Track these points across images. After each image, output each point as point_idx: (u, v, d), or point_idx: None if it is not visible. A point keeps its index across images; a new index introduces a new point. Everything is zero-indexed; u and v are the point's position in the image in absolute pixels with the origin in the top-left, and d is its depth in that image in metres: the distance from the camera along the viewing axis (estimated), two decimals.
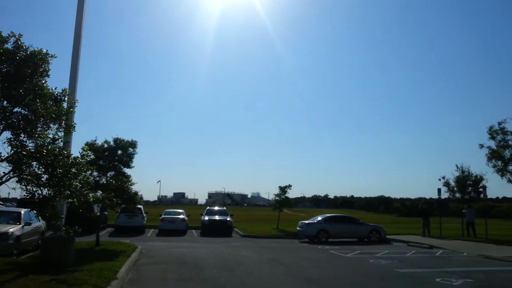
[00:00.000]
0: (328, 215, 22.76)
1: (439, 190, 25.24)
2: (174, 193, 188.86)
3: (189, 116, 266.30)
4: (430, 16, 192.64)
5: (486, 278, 10.42)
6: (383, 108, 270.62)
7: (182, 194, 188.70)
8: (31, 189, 7.99)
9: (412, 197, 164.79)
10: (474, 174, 24.23)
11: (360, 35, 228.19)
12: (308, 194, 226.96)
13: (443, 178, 25.18)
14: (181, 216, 25.43)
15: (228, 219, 24.99)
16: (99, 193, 12.81)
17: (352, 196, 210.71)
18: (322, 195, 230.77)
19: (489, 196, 24.95)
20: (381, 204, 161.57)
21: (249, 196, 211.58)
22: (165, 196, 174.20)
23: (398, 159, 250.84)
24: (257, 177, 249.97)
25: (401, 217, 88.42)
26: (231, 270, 10.74)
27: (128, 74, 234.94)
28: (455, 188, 24.61)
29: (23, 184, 7.97)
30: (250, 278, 9.52)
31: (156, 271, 10.43)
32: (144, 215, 24.67)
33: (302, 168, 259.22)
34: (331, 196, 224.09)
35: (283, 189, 28.49)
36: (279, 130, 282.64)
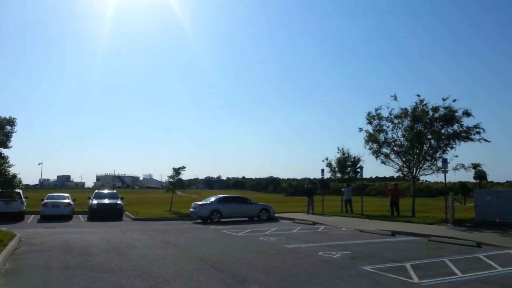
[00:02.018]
0: (221, 196, 23.21)
1: (322, 170, 27.20)
2: (58, 176, 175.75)
3: (76, 93, 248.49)
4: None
5: (361, 249, 11.57)
6: (273, 93, 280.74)
7: (67, 177, 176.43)
8: None
9: (299, 177, 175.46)
10: (353, 156, 26.55)
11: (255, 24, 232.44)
12: (201, 175, 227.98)
13: (326, 159, 27.22)
14: (66, 201, 23.93)
15: (118, 202, 24.14)
16: None
17: (243, 177, 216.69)
18: (215, 177, 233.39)
19: (365, 176, 27.53)
20: (270, 184, 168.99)
21: (141, 178, 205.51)
22: (48, 180, 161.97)
23: (287, 142, 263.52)
24: (149, 158, 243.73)
25: (289, 196, 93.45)
26: (122, 254, 10.48)
27: (11, 44, 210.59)
28: (336, 169, 26.72)
29: None
30: (142, 261, 9.39)
31: (38, 259, 9.73)
32: (24, 199, 22.63)
33: (195, 149, 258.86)
34: (224, 177, 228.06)
35: (176, 171, 28.27)
36: (172, 111, 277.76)
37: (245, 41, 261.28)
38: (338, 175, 26.83)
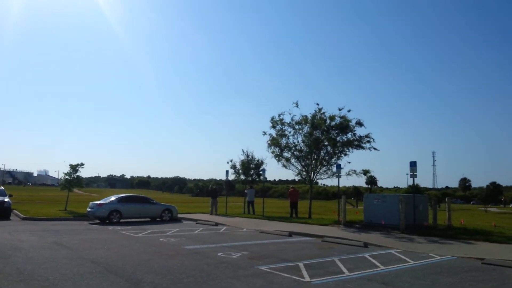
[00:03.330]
0: (122, 195, 22.41)
1: (226, 172, 27.56)
2: None
3: None
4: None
5: (259, 250, 11.92)
6: (182, 93, 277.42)
7: None
8: None
9: (205, 178, 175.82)
10: (257, 159, 27.29)
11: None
12: (104, 173, 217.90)
13: (231, 161, 27.64)
14: None
15: (5, 199, 22.11)
16: None
17: (149, 177, 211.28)
18: (118, 175, 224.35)
19: (268, 179, 28.51)
20: (176, 184, 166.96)
21: (35, 174, 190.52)
22: None
23: (195, 142, 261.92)
24: (45, 153, 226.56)
25: (195, 196, 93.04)
26: (5, 257, 9.64)
27: None
28: (240, 171, 27.23)
29: None
30: (27, 265, 8.73)
31: None
32: None
33: (98, 146, 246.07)
34: (128, 176, 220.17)
35: (74, 168, 26.59)
36: (73, 103, 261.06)
37: (157, 34, 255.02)
38: (242, 177, 27.37)
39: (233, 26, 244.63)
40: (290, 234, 15.91)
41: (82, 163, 26.73)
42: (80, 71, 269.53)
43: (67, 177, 26.69)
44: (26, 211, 24.15)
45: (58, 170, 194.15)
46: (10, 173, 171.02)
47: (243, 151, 27.60)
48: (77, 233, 15.40)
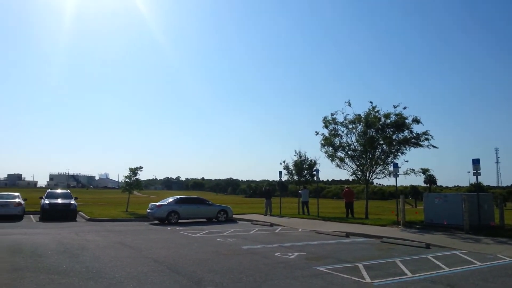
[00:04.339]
0: (179, 196, 23.01)
1: (280, 173, 27.54)
2: (9, 175, 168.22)
3: (27, 89, 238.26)
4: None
5: (316, 250, 11.83)
6: (234, 95, 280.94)
7: (19, 176, 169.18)
8: None
9: (257, 179, 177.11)
10: (310, 159, 27.05)
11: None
12: (160, 176, 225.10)
13: (284, 162, 27.58)
14: (17, 200, 22.84)
15: (72, 202, 23.38)
16: None
17: (203, 178, 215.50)
18: (174, 177, 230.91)
19: (321, 179, 28.17)
20: (230, 186, 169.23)
21: (97, 178, 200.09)
22: None
23: (246, 144, 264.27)
24: (106, 157, 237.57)
25: (248, 197, 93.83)
26: (74, 256, 10.19)
27: None
28: (293, 171, 27.10)
29: None
30: (95, 263, 9.18)
31: None
32: None
33: (155, 149, 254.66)
34: (183, 178, 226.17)
35: (133, 171, 27.74)
36: (130, 109, 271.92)
37: (212, 40, 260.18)
38: (295, 177, 27.24)
39: (288, 26, 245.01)
40: (347, 234, 15.65)
41: (141, 166, 27.89)
42: (136, 76, 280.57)
43: (127, 180, 27.89)
44: (91, 212, 25.37)
45: (118, 174, 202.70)
46: (74, 177, 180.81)
47: (295, 151, 27.49)
48: (138, 233, 16.00)
